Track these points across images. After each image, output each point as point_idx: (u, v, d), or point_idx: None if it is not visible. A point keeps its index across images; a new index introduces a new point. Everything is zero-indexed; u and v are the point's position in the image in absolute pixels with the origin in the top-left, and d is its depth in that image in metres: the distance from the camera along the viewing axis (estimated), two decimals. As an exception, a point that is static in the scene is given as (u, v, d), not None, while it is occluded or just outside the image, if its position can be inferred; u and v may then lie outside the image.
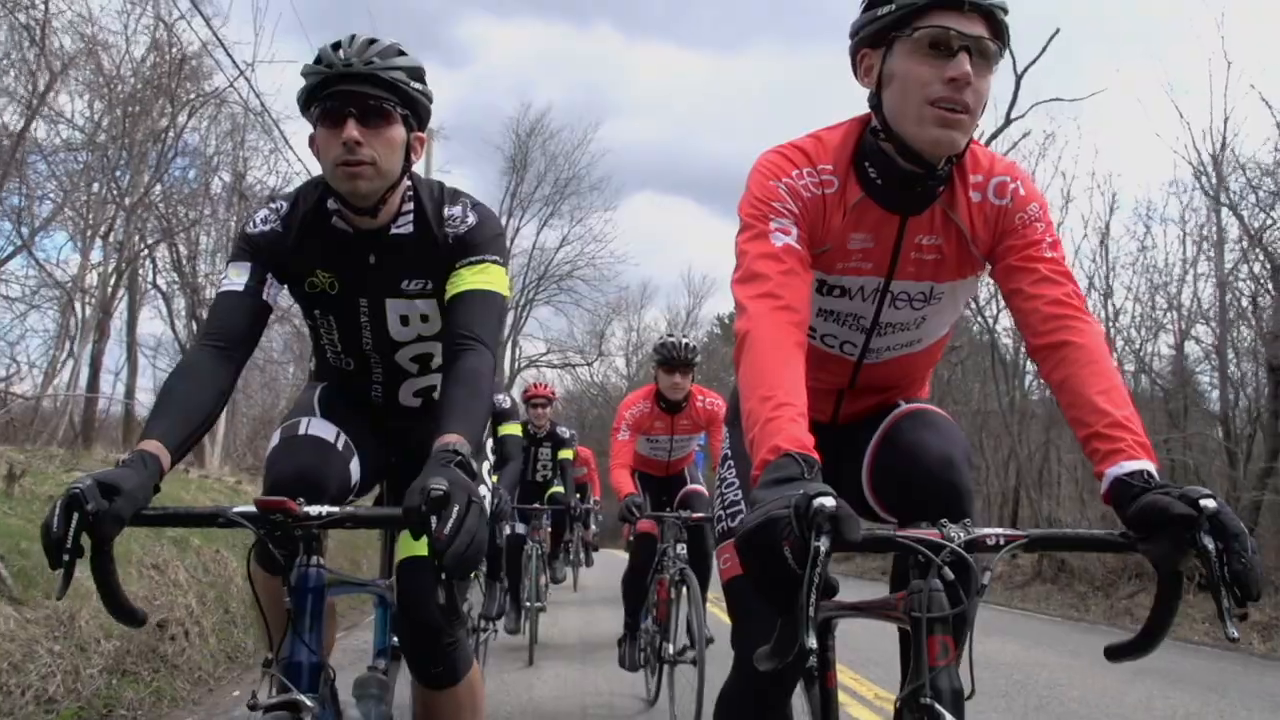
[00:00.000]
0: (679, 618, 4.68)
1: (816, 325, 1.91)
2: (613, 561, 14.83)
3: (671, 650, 4.60)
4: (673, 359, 5.05)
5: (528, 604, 6.73)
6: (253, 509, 1.52)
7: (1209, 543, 1.30)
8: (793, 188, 1.73)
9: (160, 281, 13.72)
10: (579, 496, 11.59)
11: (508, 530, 7.21)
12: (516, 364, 31.66)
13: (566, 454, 7.80)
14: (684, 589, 4.56)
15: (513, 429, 5.31)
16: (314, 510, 1.54)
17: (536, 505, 7.43)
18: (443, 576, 1.41)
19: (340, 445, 2.09)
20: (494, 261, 2.06)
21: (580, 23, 52.70)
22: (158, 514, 1.57)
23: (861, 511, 2.01)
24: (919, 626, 1.40)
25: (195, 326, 13.62)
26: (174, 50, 11.32)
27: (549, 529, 7.60)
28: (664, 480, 5.63)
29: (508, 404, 5.37)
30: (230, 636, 5.54)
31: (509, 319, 30.03)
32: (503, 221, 28.09)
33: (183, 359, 1.94)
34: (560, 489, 7.79)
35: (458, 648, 2.11)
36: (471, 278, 2.01)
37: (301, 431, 2.07)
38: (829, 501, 1.23)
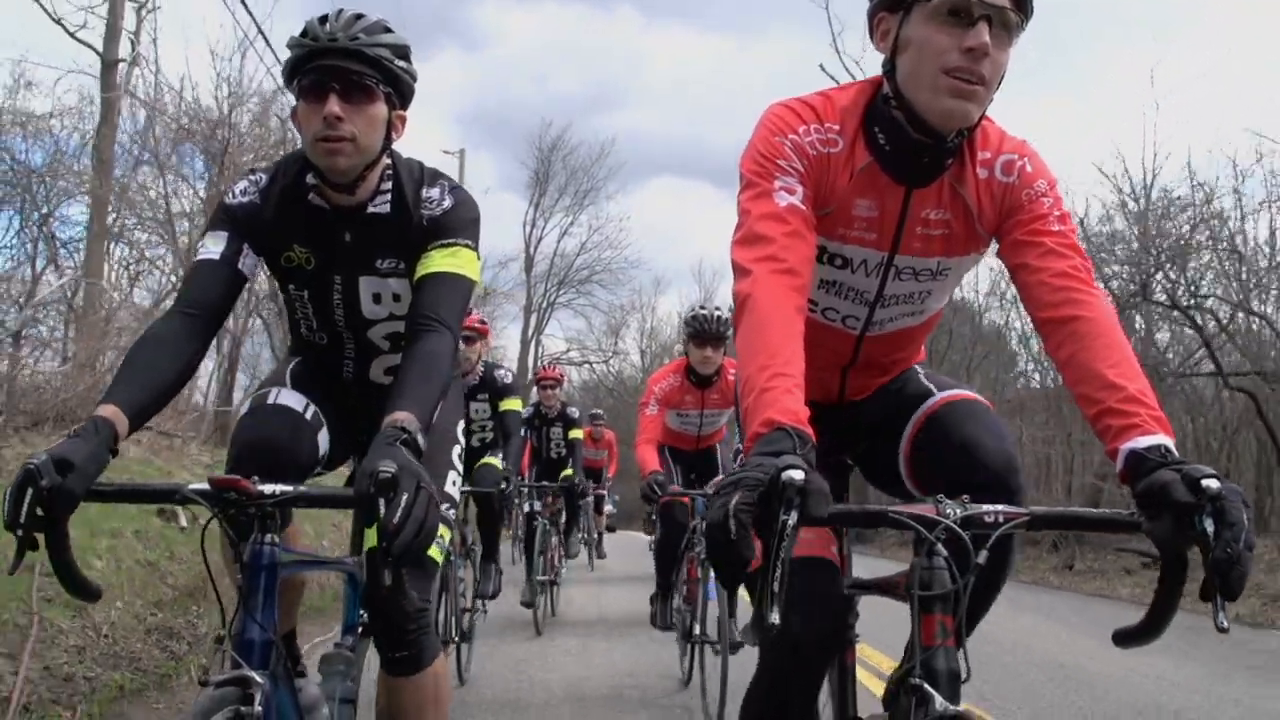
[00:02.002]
0: (707, 599, 4.53)
1: (818, 298, 1.83)
2: (631, 544, 14.77)
3: (699, 631, 4.46)
4: (704, 331, 4.79)
5: (542, 578, 6.76)
6: (207, 486, 1.48)
7: (1209, 526, 1.23)
8: (798, 144, 1.65)
9: (264, 312, 14.67)
10: (593, 480, 11.66)
11: (526, 508, 7.26)
12: (539, 361, 32.82)
13: (576, 434, 7.81)
14: (710, 570, 4.37)
15: (512, 404, 5.15)
16: (268, 489, 1.50)
17: (546, 483, 7.45)
18: (389, 562, 1.37)
19: (309, 415, 2.05)
20: (466, 245, 2.01)
21: (598, 3, 52.08)
22: (113, 489, 1.53)
23: (896, 492, 1.98)
24: (915, 605, 1.36)
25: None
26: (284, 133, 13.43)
27: (560, 508, 7.68)
28: (694, 455, 5.45)
29: (508, 379, 5.24)
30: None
31: (531, 321, 33.24)
32: (527, 230, 28.47)
33: (151, 326, 1.90)
34: (570, 471, 7.78)
35: (425, 634, 2.07)
36: (441, 260, 1.96)
37: (270, 401, 2.03)
38: (798, 474, 1.17)
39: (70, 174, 12.25)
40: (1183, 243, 12.36)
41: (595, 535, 12.53)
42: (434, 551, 2.07)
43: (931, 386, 1.95)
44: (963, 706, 1.32)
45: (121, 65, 12.27)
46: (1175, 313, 12.66)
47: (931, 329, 2.07)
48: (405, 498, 1.36)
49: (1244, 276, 12.38)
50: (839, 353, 1.93)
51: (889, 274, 1.78)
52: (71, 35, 11.85)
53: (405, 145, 2.14)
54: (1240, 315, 12.49)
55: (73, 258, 12.31)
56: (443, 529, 2.11)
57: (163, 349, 1.78)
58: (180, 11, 23.18)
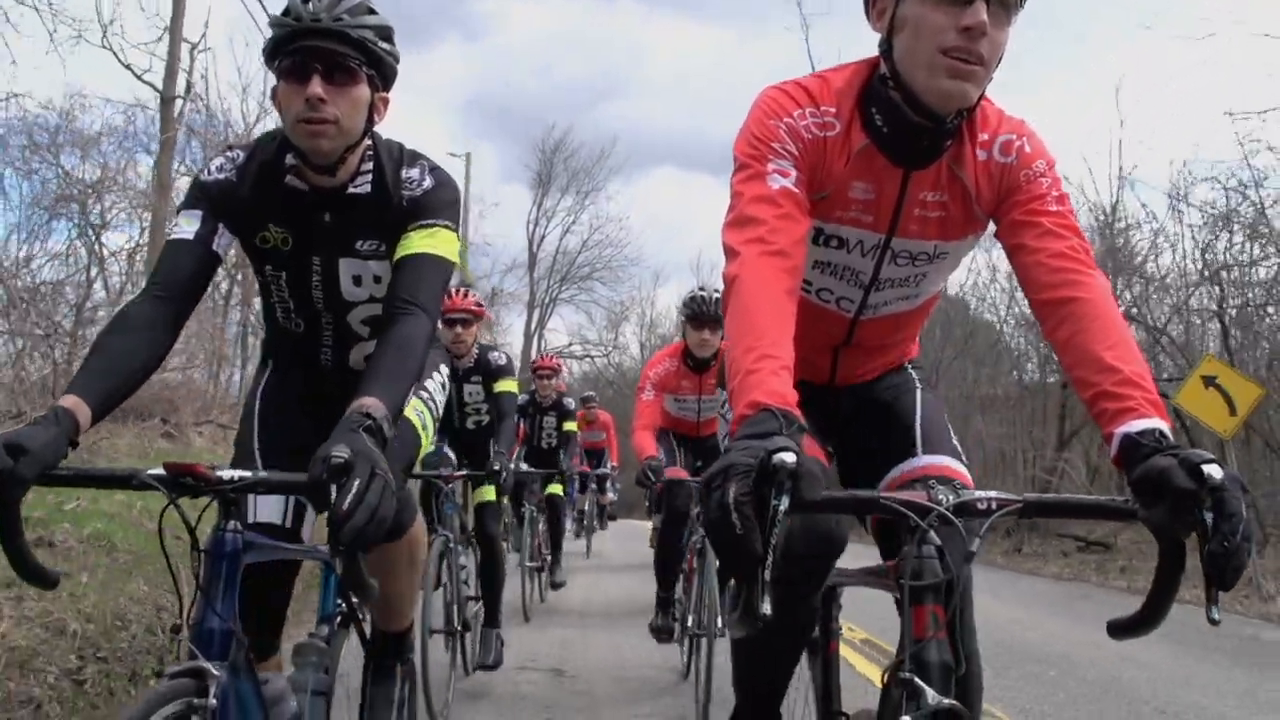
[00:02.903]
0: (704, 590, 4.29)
1: (812, 279, 1.79)
2: (632, 531, 14.70)
3: (692, 623, 4.28)
4: (701, 314, 4.62)
5: (529, 564, 6.65)
6: (163, 472, 1.41)
7: (1209, 517, 1.17)
8: (793, 128, 1.60)
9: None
10: (595, 461, 11.60)
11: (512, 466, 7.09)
12: (541, 355, 32.82)
13: (570, 426, 7.69)
14: (707, 560, 4.17)
15: (507, 385, 4.96)
16: (225, 474, 1.44)
17: (531, 469, 7.36)
18: (340, 549, 1.30)
19: (289, 523, 1.91)
20: (445, 226, 1.94)
21: (599, -3, 51.51)
22: (68, 474, 1.46)
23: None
24: (905, 596, 1.30)
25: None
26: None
27: (545, 530, 7.46)
28: (697, 442, 5.25)
29: (502, 361, 5.04)
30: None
31: (534, 317, 33.76)
32: (530, 229, 28.37)
33: (121, 310, 1.82)
34: (558, 489, 7.63)
35: (401, 506, 1.96)
36: (420, 241, 1.89)
37: (251, 521, 1.85)
38: (790, 457, 1.11)
39: (117, 188, 13.27)
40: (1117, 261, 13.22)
41: (596, 512, 12.45)
42: (413, 417, 2.03)
43: (917, 438, 1.87)
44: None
45: (177, 101, 13.25)
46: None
47: (927, 315, 2.01)
48: (358, 484, 1.29)
49: (1172, 299, 13.14)
50: (832, 334, 1.88)
51: (884, 257, 1.73)
52: (139, 78, 12.89)
53: (411, 144, 2.08)
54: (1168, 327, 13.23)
55: (119, 265, 13.34)
56: (423, 406, 2.12)
57: (131, 335, 1.71)
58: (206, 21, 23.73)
